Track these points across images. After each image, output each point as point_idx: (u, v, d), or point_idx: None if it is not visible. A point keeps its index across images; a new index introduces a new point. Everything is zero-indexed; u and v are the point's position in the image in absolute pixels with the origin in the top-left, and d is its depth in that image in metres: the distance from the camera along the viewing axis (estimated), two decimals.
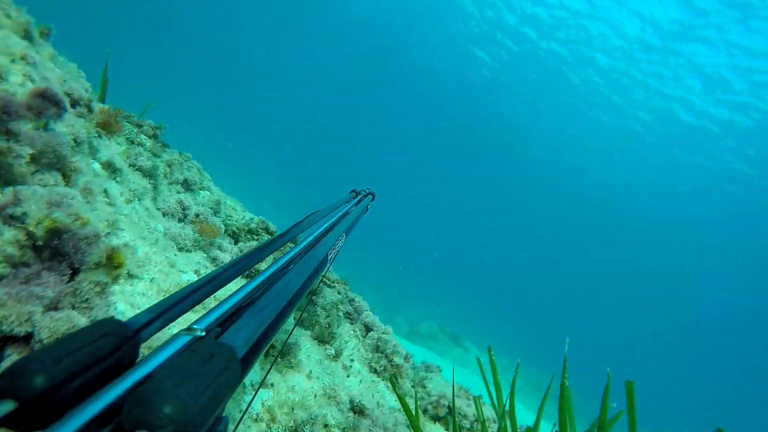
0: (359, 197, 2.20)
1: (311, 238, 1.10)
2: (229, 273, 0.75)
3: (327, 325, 2.24)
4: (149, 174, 2.35)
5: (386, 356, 2.44)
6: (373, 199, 2.40)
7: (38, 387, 0.37)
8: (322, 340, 2.25)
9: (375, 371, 2.38)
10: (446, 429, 2.26)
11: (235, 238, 2.81)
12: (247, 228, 2.94)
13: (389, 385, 2.30)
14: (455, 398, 2.07)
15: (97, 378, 0.42)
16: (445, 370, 2.82)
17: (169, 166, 2.83)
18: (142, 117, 3.03)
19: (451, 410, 2.00)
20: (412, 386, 2.45)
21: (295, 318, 2.00)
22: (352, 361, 2.31)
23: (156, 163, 2.48)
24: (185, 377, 0.39)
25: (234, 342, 0.52)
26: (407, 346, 2.72)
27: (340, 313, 2.47)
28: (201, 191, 3.07)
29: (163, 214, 2.28)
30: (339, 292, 2.91)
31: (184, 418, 0.35)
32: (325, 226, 1.30)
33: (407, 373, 2.52)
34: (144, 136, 2.80)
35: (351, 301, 2.91)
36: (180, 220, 2.33)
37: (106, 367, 0.44)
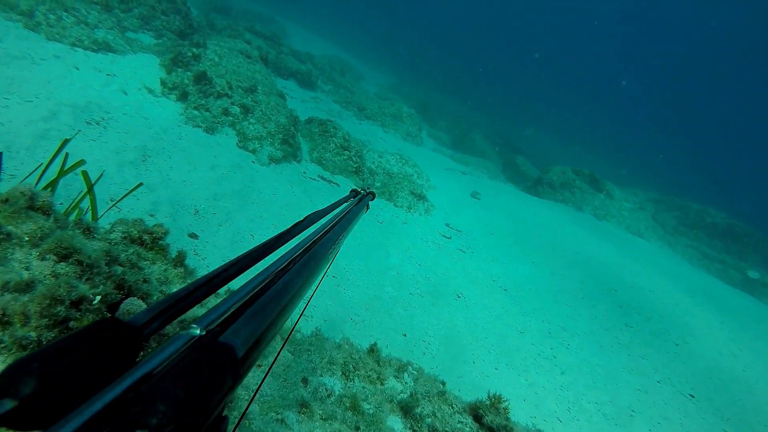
0: (360, 196, 2.21)
1: (312, 237, 1.10)
2: (229, 272, 0.75)
3: None
4: None
5: None
6: (372, 198, 2.41)
7: (38, 386, 0.37)
8: None
9: None
10: None
11: None
12: None
13: None
14: None
15: (97, 378, 0.42)
16: None
17: None
18: None
19: None
20: None
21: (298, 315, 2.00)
22: None
23: None
24: (185, 377, 0.39)
25: (234, 341, 0.52)
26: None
27: None
28: None
29: None
30: None
31: (183, 417, 0.35)
32: (326, 225, 1.30)
33: None
34: None
35: None
36: None
37: (106, 366, 0.44)
